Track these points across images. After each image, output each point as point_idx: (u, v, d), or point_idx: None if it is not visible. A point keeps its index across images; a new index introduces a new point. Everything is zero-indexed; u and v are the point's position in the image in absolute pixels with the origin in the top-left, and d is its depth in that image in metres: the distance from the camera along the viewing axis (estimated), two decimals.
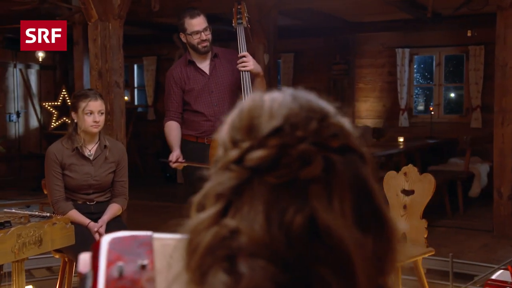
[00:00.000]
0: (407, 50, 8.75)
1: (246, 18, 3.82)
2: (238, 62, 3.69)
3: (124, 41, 9.77)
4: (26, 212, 2.91)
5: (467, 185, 7.36)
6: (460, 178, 6.94)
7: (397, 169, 3.75)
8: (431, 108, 8.78)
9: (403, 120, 8.79)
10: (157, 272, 0.73)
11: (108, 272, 0.71)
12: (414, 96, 9.15)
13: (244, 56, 3.68)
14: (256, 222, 0.65)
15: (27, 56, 9.89)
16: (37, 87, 10.41)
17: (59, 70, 10.83)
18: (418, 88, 9.32)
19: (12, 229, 2.63)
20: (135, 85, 11.05)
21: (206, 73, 3.86)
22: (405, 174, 3.65)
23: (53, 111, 9.70)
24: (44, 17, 7.74)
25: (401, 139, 7.36)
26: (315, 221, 0.65)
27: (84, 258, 0.76)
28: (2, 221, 2.68)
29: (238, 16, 3.82)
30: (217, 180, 0.69)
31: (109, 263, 0.72)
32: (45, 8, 7.71)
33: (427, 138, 8.27)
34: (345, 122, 0.73)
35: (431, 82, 9.06)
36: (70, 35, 8.17)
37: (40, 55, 9.14)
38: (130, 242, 0.75)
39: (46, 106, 9.85)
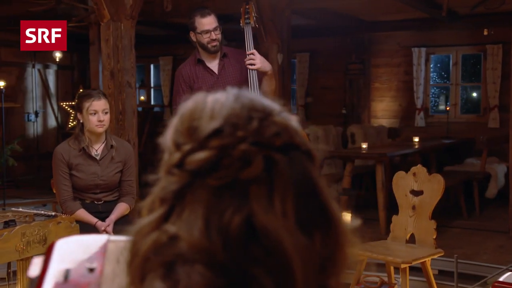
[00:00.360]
0: (423, 49, 8.67)
1: (254, 18, 3.82)
2: (245, 60, 3.68)
3: (140, 41, 9.84)
4: (31, 211, 2.94)
5: (484, 185, 7.28)
6: (476, 179, 6.86)
7: None
8: (447, 108, 8.70)
9: (419, 120, 8.71)
10: (105, 275, 0.72)
11: (54, 275, 0.71)
12: (431, 96, 9.07)
13: (252, 54, 3.67)
14: (195, 227, 0.64)
15: (46, 57, 10.00)
16: (55, 87, 10.52)
17: (77, 70, 10.93)
18: (435, 88, 9.23)
19: (17, 227, 2.66)
20: (152, 85, 11.11)
21: (215, 73, 3.86)
22: (414, 174, 3.62)
23: (71, 110, 9.79)
24: (60, 17, 7.82)
25: (416, 139, 7.29)
26: (253, 222, 0.64)
27: (37, 262, 0.75)
28: (7, 220, 2.71)
29: (246, 16, 3.81)
30: (161, 184, 0.68)
31: (58, 267, 0.72)
32: (61, 9, 7.79)
33: (443, 138, 8.18)
34: (291, 120, 0.72)
35: (448, 82, 8.97)
36: (86, 35, 8.25)
37: (57, 55, 9.23)
38: (84, 244, 0.75)
39: (64, 106, 9.94)
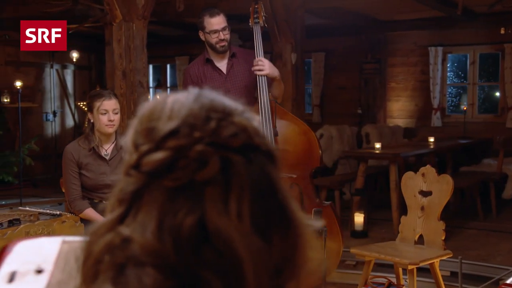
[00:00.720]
0: (440, 49, 8.59)
1: (263, 18, 3.82)
2: (254, 65, 3.68)
3: (157, 41, 9.84)
4: (36, 210, 2.97)
5: (501, 186, 7.19)
6: (492, 179, 6.78)
7: None
8: (464, 108, 8.61)
9: (436, 120, 8.63)
10: (53, 277, 0.72)
11: (1, 278, 0.71)
12: (447, 96, 8.98)
13: (260, 61, 3.67)
14: (148, 229, 0.63)
15: (64, 57, 10.10)
16: (72, 87, 10.62)
17: (94, 70, 11.02)
18: (452, 87, 9.14)
19: (21, 226, 2.69)
20: (168, 84, 11.17)
21: (223, 73, 3.86)
22: (423, 175, 3.58)
23: None
24: (78, 18, 7.90)
25: (431, 139, 7.21)
26: (206, 224, 0.63)
27: None
28: (12, 218, 2.74)
29: (255, 16, 3.82)
30: (119, 185, 0.68)
31: (7, 269, 0.71)
32: (78, 10, 7.85)
33: (460, 138, 8.10)
34: (251, 121, 0.71)
35: (465, 81, 8.88)
36: (102, 36, 8.32)
37: (74, 55, 9.30)
38: (40, 246, 0.74)
39: (81, 105, 10.03)
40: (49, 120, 10.22)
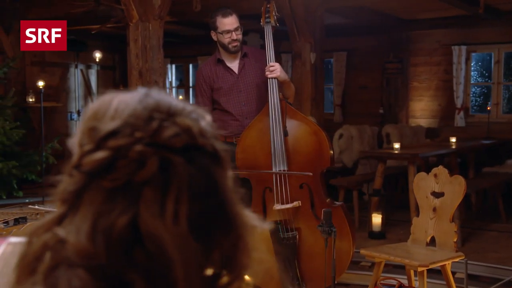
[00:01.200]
0: (463, 48, 8.46)
1: (275, 17, 3.81)
2: (266, 69, 3.68)
3: (179, 41, 9.85)
4: (44, 209, 3.00)
5: None
6: None
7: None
8: (488, 108, 8.46)
9: (459, 120, 8.51)
10: None
11: None
12: (471, 95, 8.84)
13: (272, 66, 3.67)
14: (82, 230, 0.63)
15: (88, 57, 10.21)
16: (96, 86, 10.74)
17: (118, 70, 11.13)
18: (476, 87, 8.99)
19: (26, 225, 2.72)
20: (190, 84, 11.21)
21: (235, 72, 3.86)
22: (435, 175, 3.52)
23: None
24: (100, 18, 7.98)
25: (453, 139, 7.09)
26: (139, 225, 0.63)
27: None
28: (18, 217, 2.77)
29: (267, 15, 3.80)
30: (61, 185, 0.68)
31: None
32: (101, 10, 7.93)
33: (484, 139, 7.96)
34: (198, 121, 0.70)
35: (489, 81, 8.72)
36: (123, 36, 8.39)
37: (97, 55, 9.40)
38: None
39: None
40: (73, 119, 10.36)
